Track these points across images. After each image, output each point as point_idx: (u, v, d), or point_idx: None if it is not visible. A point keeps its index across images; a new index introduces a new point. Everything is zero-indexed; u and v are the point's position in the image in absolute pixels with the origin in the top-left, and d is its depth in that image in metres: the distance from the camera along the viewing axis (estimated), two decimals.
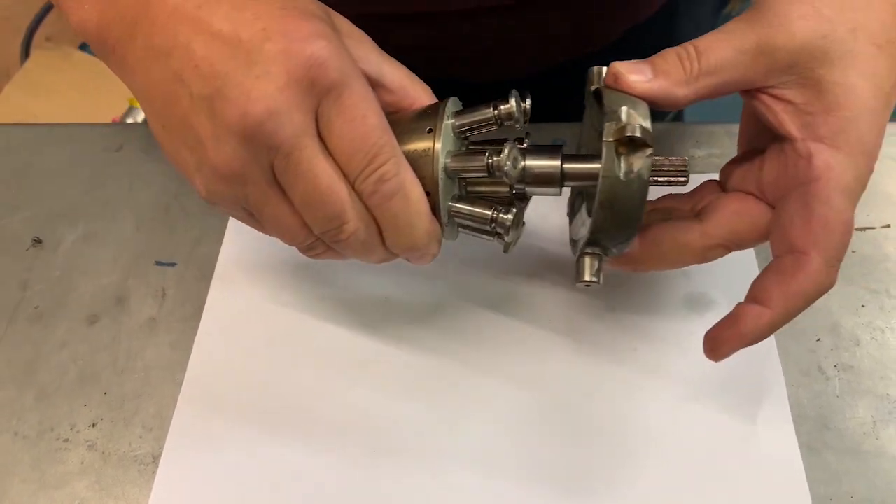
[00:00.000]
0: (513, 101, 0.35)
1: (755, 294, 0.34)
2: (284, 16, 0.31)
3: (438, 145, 0.34)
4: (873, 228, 0.49)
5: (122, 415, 0.44)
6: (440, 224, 0.36)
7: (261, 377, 0.44)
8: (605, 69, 0.35)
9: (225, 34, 0.30)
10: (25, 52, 1.71)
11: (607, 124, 0.32)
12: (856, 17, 0.33)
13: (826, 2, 0.33)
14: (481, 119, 0.36)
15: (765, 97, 0.34)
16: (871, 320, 0.45)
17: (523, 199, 0.38)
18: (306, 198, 0.33)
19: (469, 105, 0.37)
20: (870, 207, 0.50)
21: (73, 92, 1.53)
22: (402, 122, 0.35)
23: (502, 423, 0.42)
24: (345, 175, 0.33)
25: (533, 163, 0.35)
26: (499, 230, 0.36)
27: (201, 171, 0.33)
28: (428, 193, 0.35)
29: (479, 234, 0.37)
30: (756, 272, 0.36)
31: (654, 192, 0.38)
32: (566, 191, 0.39)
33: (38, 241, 0.51)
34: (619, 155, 0.32)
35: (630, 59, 0.35)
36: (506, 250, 0.37)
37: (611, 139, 0.32)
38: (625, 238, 0.35)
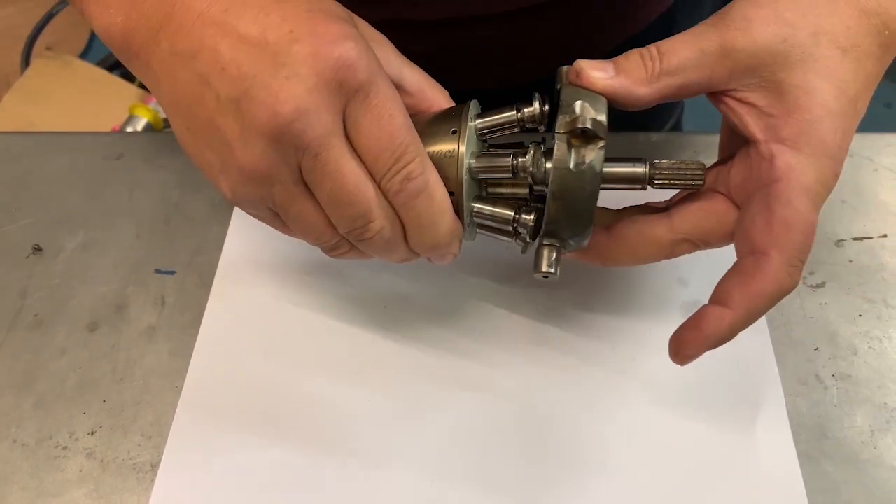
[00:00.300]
0: (536, 104, 0.36)
1: (717, 296, 0.34)
2: (311, 18, 0.31)
3: (463, 147, 0.35)
4: (870, 238, 0.49)
5: (120, 422, 0.44)
6: (462, 224, 0.36)
7: (260, 385, 0.44)
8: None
9: (252, 37, 0.31)
10: (26, 61, 1.72)
11: (560, 117, 0.34)
12: (819, 22, 0.34)
13: (789, 7, 0.34)
14: (505, 121, 0.36)
15: (729, 100, 0.35)
16: (869, 329, 0.46)
17: (540, 200, 0.38)
18: (333, 197, 0.33)
19: (486, 109, 0.37)
20: (867, 217, 0.50)
21: (73, 100, 1.53)
22: (422, 124, 0.36)
23: (509, 434, 0.42)
24: (370, 174, 0.33)
25: None
26: (520, 230, 0.36)
27: (227, 172, 0.33)
28: (451, 193, 0.35)
29: (498, 235, 0.38)
30: None
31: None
32: None
33: (38, 249, 0.51)
34: (571, 147, 0.34)
35: None
36: (524, 251, 0.38)
37: (562, 131, 0.34)
38: (580, 230, 0.35)
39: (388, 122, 0.32)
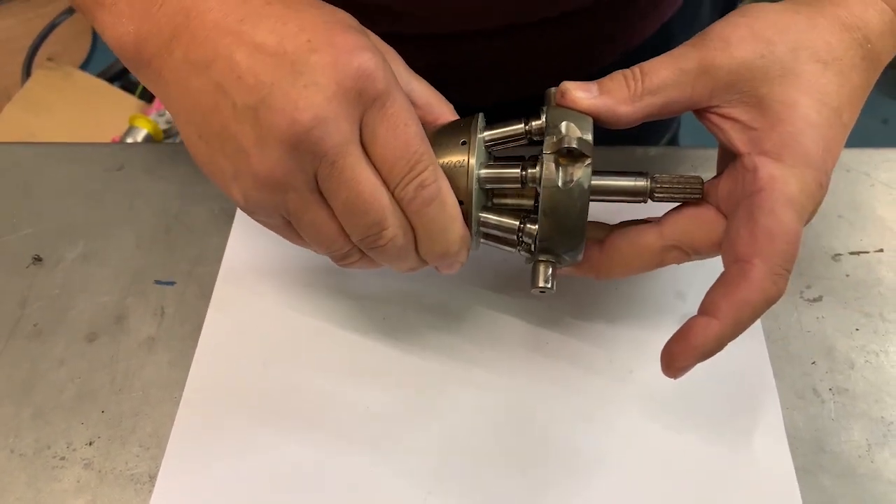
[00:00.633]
0: (544, 118, 0.36)
1: (705, 306, 0.35)
2: (329, 28, 0.32)
3: (473, 158, 0.36)
4: (867, 252, 0.50)
5: (119, 433, 0.44)
6: (470, 233, 0.37)
7: (259, 395, 0.45)
8: None
9: (269, 46, 0.31)
10: (27, 72, 1.73)
11: (547, 137, 0.35)
12: (797, 38, 0.35)
13: (766, 24, 0.35)
14: (513, 134, 0.37)
15: (713, 116, 0.36)
16: (866, 344, 0.46)
17: None
18: (349, 205, 0.33)
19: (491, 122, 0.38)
20: (863, 232, 0.51)
21: (73, 111, 1.54)
22: (431, 136, 0.36)
23: (506, 442, 0.43)
24: (384, 182, 0.34)
25: None
26: (525, 240, 0.37)
27: (241, 179, 0.33)
28: (460, 203, 0.36)
29: (503, 245, 0.39)
30: None
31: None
32: None
33: (38, 259, 0.51)
34: (559, 166, 0.35)
35: None
36: (528, 261, 0.38)
37: (549, 151, 0.35)
38: (573, 244, 0.36)
39: (403, 131, 0.33)
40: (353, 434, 0.43)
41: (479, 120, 0.38)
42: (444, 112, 0.39)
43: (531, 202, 0.38)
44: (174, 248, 0.52)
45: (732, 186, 0.36)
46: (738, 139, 0.35)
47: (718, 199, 0.37)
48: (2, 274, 0.51)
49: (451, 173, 0.36)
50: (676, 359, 0.35)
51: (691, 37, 0.37)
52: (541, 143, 0.36)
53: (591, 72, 0.37)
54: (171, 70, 0.33)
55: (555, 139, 0.35)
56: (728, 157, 0.37)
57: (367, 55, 0.32)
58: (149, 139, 1.47)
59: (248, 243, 0.51)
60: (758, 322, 0.43)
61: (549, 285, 0.37)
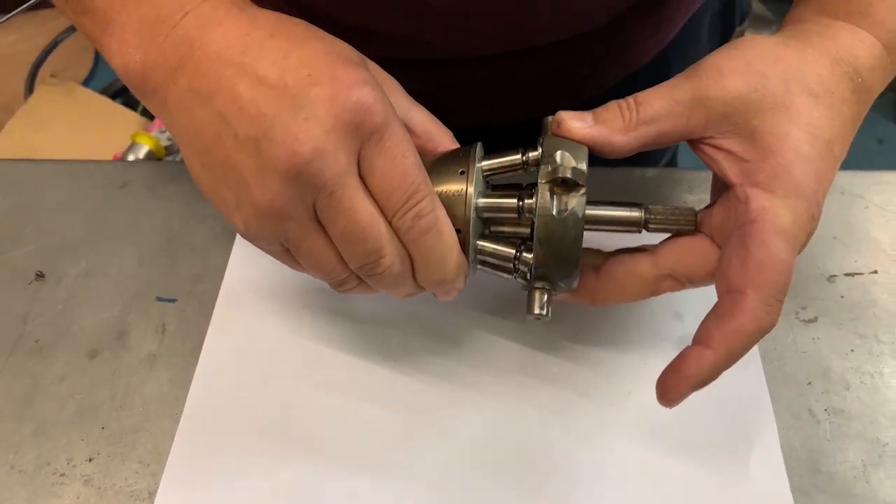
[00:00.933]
0: (541, 149, 0.37)
1: (699, 336, 0.35)
2: (330, 63, 0.33)
3: (471, 188, 0.37)
4: (861, 274, 0.50)
5: (119, 450, 0.44)
6: (467, 260, 0.38)
7: (259, 414, 0.45)
8: None
9: (271, 79, 0.32)
10: (30, 88, 1.74)
11: (542, 167, 0.36)
12: (789, 71, 0.35)
13: (759, 58, 0.36)
14: (510, 164, 0.38)
15: (706, 147, 0.37)
16: (861, 365, 0.46)
17: None
18: (346, 234, 0.34)
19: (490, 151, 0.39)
20: (858, 254, 0.51)
21: (76, 127, 1.55)
22: (429, 164, 0.37)
23: (503, 464, 0.43)
24: (382, 211, 0.34)
25: None
26: (521, 268, 0.38)
27: (242, 208, 0.34)
28: (458, 231, 0.36)
29: (499, 272, 0.39)
30: None
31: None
32: None
33: (40, 276, 0.52)
34: (553, 195, 0.35)
35: None
36: (524, 288, 0.39)
37: (544, 180, 0.35)
38: (567, 272, 0.37)
39: (401, 162, 0.34)
40: (352, 455, 0.43)
41: (478, 149, 0.38)
42: (444, 140, 0.39)
43: (528, 230, 0.38)
44: (176, 265, 0.52)
45: (725, 217, 0.36)
46: (730, 170, 0.36)
47: (712, 229, 0.37)
48: (4, 290, 0.51)
49: (449, 202, 0.36)
50: (671, 389, 0.36)
51: (689, 64, 0.37)
52: (535, 173, 0.37)
53: (589, 96, 0.38)
54: (176, 99, 0.34)
55: (550, 168, 0.35)
56: (721, 187, 0.38)
57: (366, 89, 0.32)
58: (150, 155, 1.48)
59: (248, 263, 0.51)
60: None
61: (545, 312, 0.37)
